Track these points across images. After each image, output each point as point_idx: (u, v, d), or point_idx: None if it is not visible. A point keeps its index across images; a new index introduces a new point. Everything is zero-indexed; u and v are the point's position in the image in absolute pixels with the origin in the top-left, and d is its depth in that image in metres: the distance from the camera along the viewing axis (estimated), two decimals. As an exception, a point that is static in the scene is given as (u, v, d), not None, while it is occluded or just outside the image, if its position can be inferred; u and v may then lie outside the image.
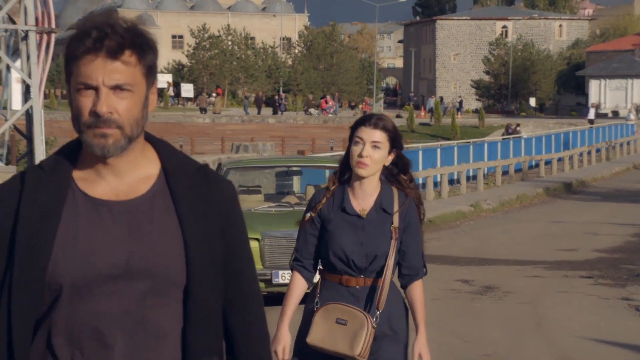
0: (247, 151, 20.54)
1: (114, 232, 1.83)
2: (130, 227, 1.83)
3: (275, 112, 53.60)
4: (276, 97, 56.92)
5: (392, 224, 3.46)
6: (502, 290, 9.90)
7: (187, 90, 60.72)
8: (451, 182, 21.67)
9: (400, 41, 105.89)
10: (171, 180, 1.87)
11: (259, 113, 53.53)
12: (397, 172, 3.53)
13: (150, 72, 1.84)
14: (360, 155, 3.42)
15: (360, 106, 60.47)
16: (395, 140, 3.49)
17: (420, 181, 18.74)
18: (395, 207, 3.47)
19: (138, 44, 1.81)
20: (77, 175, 1.87)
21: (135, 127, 1.83)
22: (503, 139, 30.65)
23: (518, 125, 40.75)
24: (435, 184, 20.32)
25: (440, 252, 12.63)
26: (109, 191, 1.85)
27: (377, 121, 3.46)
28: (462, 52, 79.27)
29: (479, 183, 21.72)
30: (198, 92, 61.10)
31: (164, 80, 59.91)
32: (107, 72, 1.79)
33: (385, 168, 3.51)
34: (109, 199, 1.85)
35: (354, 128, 3.49)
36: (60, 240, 1.81)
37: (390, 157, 3.49)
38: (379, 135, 3.44)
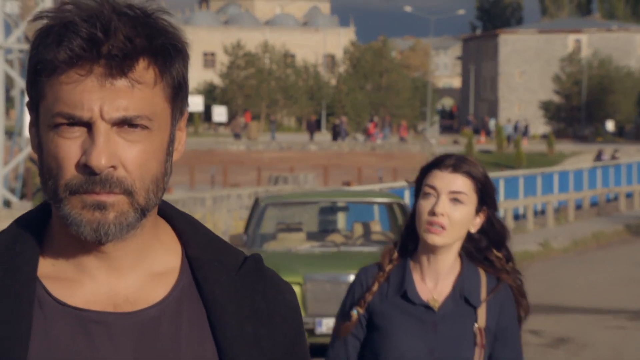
0: (286, 183, 20.65)
1: None
2: (141, 355, 1.23)
3: (335, 138, 54.00)
4: (337, 121, 57.02)
5: (477, 322, 2.56)
6: (577, 343, 9.80)
7: (220, 113, 61.39)
8: (516, 217, 21.56)
9: (458, 58, 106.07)
10: (201, 278, 1.28)
11: (311, 138, 53.94)
12: (487, 246, 2.61)
13: (178, 95, 1.24)
14: (432, 213, 2.51)
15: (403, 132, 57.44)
16: (485, 193, 2.56)
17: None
18: (483, 296, 2.57)
19: (159, 47, 1.21)
20: (46, 271, 1.25)
21: (153, 191, 1.22)
22: (596, 166, 30.17)
23: (616, 151, 40.19)
24: (499, 220, 20.20)
25: (505, 299, 12.53)
26: (103, 298, 1.24)
27: (458, 162, 2.54)
28: (528, 70, 79.06)
29: (548, 219, 21.53)
30: (232, 116, 61.72)
31: (193, 102, 59.30)
32: (107, 96, 1.18)
33: (469, 238, 2.60)
34: (103, 310, 1.24)
35: (423, 173, 2.58)
36: None
37: (479, 220, 2.58)
38: (462, 184, 2.53)
